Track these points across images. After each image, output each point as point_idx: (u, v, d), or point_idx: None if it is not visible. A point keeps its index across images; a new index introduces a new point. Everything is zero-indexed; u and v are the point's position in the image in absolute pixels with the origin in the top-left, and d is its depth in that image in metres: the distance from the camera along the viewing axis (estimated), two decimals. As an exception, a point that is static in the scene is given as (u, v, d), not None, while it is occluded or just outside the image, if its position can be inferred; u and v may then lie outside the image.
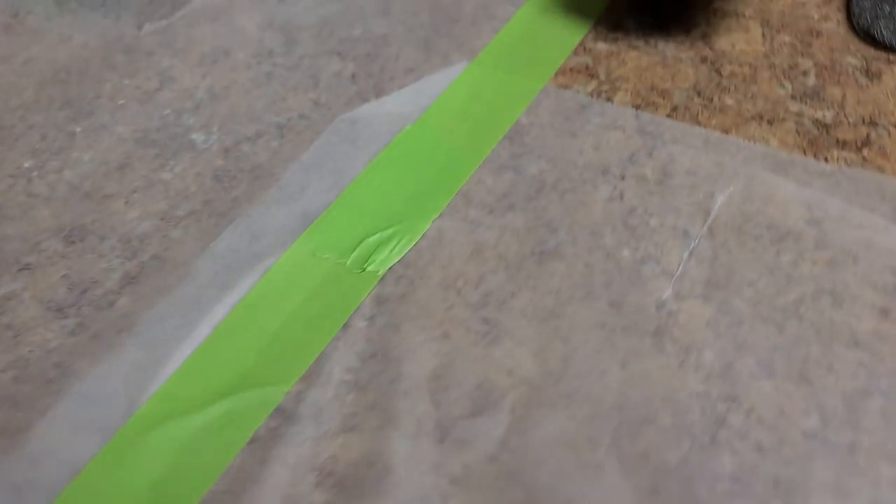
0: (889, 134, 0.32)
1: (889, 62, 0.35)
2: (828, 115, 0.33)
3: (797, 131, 0.32)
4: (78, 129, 0.36)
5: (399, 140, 0.34)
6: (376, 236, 0.30)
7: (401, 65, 0.38)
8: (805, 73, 0.35)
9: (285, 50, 0.39)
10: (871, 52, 0.36)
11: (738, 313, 0.27)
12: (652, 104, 0.34)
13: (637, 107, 0.34)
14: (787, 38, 0.37)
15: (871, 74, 0.35)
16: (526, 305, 0.28)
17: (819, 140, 0.32)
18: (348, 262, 0.30)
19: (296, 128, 0.35)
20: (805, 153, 0.31)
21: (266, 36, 0.40)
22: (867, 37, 0.36)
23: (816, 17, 0.38)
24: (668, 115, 0.34)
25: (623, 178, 0.31)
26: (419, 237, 0.30)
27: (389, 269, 0.29)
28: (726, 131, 0.33)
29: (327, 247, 0.30)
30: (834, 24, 0.37)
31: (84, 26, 0.40)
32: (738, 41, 0.37)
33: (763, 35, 0.37)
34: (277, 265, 0.30)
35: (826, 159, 0.31)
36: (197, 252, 0.30)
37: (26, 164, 0.35)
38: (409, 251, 0.30)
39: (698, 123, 0.33)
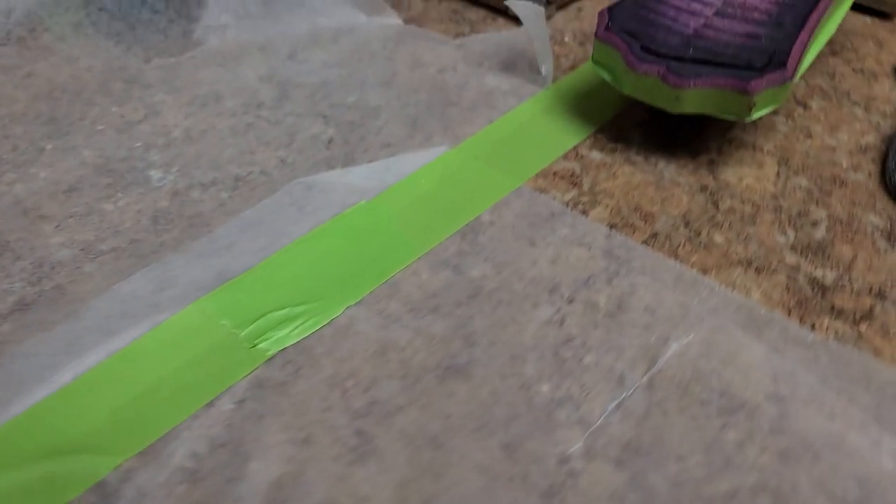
0: (898, 311, 0.27)
1: (921, 229, 0.30)
2: (829, 276, 0.28)
3: (787, 287, 0.28)
4: (49, 147, 0.36)
5: (348, 214, 0.31)
6: (283, 312, 0.28)
7: (381, 138, 0.36)
8: (815, 224, 0.30)
9: (274, 105, 0.38)
10: (900, 213, 0.31)
11: (653, 492, 0.22)
12: (630, 226, 0.30)
13: (612, 226, 0.31)
14: (803, 182, 0.32)
15: (894, 239, 0.30)
16: (409, 425, 0.24)
17: (810, 302, 0.27)
18: (242, 334, 0.27)
19: (252, 182, 0.33)
20: (789, 314, 0.27)
21: (262, 88, 0.39)
22: (899, 196, 0.31)
23: (845, 164, 0.33)
24: (645, 242, 0.30)
25: (571, 301, 0.28)
26: (326, 322, 0.27)
27: (282, 350, 0.26)
28: (705, 271, 0.28)
29: (228, 312, 0.27)
30: (863, 176, 0.33)
31: (94, 52, 0.41)
32: (748, 176, 0.33)
33: (778, 174, 0.33)
34: (170, 321, 0.27)
35: (813, 326, 0.26)
36: (99, 291, 0.28)
37: (-14, 171, 0.34)
38: (310, 335, 0.27)
39: (676, 257, 0.29)
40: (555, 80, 0.39)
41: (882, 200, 0.31)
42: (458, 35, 0.43)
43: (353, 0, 0.44)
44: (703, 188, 0.32)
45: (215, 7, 0.42)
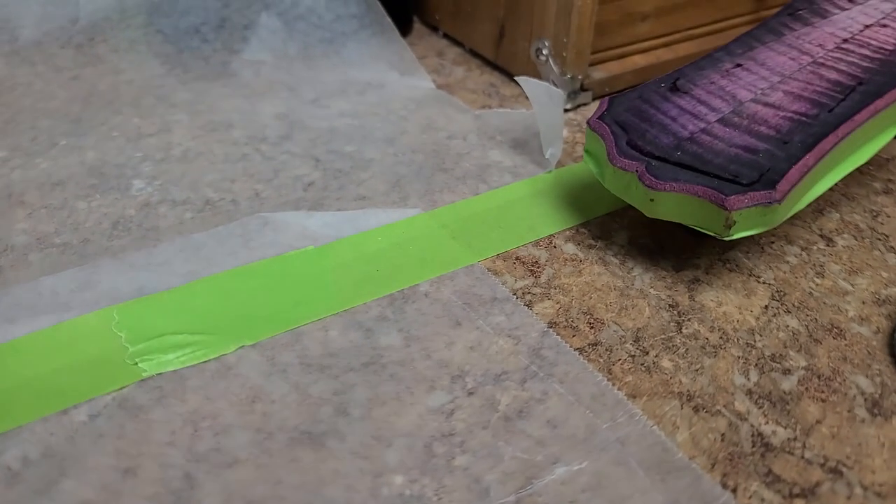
0: (849, 495, 0.22)
1: (921, 406, 0.25)
2: (779, 434, 0.24)
3: (723, 436, 0.23)
4: (63, 143, 0.38)
5: (289, 256, 0.30)
6: (180, 337, 0.27)
7: (359, 190, 0.35)
8: (787, 372, 0.26)
9: (276, 142, 0.38)
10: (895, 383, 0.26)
11: None
12: (572, 329, 0.27)
13: (553, 325, 0.28)
14: (793, 323, 0.28)
15: (878, 411, 0.25)
16: (236, 482, 0.22)
17: (744, 460, 0.23)
18: (132, 350, 0.26)
19: (219, 209, 0.33)
20: (712, 467, 0.22)
21: (273, 125, 0.40)
22: (902, 361, 0.26)
23: (852, 313, 0.28)
24: (581, 349, 0.27)
25: (471, 394, 0.25)
26: (214, 356, 0.26)
27: (160, 374, 0.25)
28: (634, 396, 0.25)
29: (128, 325, 0.27)
30: (869, 331, 0.28)
31: (139, 67, 0.43)
32: (730, 303, 0.29)
33: (766, 308, 0.29)
34: (72, 322, 0.27)
35: (735, 489, 0.22)
36: (29, 279, 0.29)
37: (1, 155, 0.37)
38: (193, 365, 0.26)
39: (608, 373, 0.26)
40: (561, 165, 0.37)
41: (881, 363, 0.26)
42: (483, 107, 0.42)
43: (389, 58, 0.44)
44: (673, 305, 0.29)
45: (257, 44, 0.44)
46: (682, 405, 0.25)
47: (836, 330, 0.28)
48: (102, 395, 0.24)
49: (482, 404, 0.24)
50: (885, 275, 0.30)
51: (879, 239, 0.32)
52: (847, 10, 0.34)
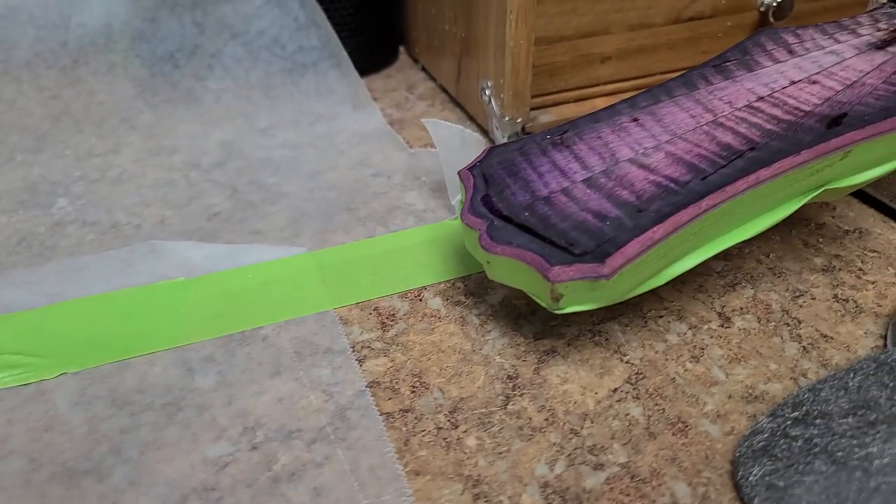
0: None
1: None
2: (555, 540, 0.21)
3: (490, 532, 0.21)
4: (19, 158, 0.41)
5: (154, 287, 0.31)
6: (17, 357, 0.28)
7: (257, 224, 0.35)
8: (598, 468, 0.23)
9: (208, 169, 0.39)
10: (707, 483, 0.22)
11: None
12: (392, 391, 0.26)
13: (374, 384, 0.26)
14: (636, 412, 0.25)
15: (685, 527, 0.21)
16: (-15, 512, 0.22)
17: (499, 563, 0.20)
18: (-32, 365, 0.27)
19: (122, 233, 0.35)
20: (459, 567, 0.20)
21: (214, 152, 0.41)
22: (740, 485, 0.22)
23: (709, 407, 0.25)
24: (389, 414, 0.25)
25: (254, 448, 0.24)
26: (36, 380, 0.27)
27: (-21, 392, 0.26)
28: (417, 473, 0.23)
29: (-23, 341, 0.28)
30: (719, 431, 0.24)
31: (112, 89, 0.46)
32: (577, 381, 0.26)
33: (614, 391, 0.26)
34: (-68, 332, 0.29)
35: None
36: (-78, 287, 0.31)
37: (-38, 165, 0.40)
38: (15, 387, 0.26)
39: (404, 445, 0.24)
40: (472, 213, 0.35)
41: (715, 471, 0.23)
42: (425, 145, 0.41)
43: (344, 92, 0.44)
44: (512, 377, 0.26)
45: (221, 72, 0.45)
46: (463, 490, 0.23)
47: (680, 425, 0.24)
48: (-77, 406, 0.26)
49: (259, 461, 0.24)
50: (772, 367, 0.27)
51: (788, 324, 0.28)
52: (781, 62, 0.30)
